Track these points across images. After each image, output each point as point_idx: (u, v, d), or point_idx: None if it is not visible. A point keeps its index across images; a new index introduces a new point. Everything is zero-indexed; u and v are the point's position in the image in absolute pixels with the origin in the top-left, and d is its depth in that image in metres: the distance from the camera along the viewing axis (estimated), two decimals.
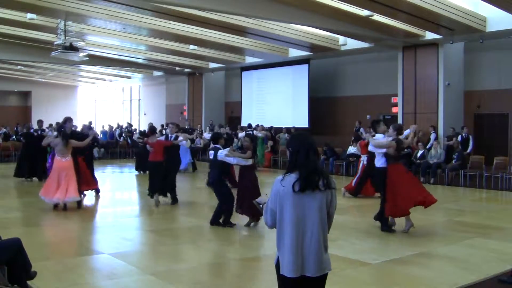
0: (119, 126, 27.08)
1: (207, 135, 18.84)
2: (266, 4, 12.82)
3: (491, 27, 14.12)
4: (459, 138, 15.50)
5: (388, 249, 7.36)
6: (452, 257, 6.76)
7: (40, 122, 15.96)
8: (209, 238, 8.08)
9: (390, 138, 8.39)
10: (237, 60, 22.54)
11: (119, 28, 17.12)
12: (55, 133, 13.55)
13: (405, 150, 15.06)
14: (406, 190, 7.89)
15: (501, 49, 16.17)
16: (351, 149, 16.54)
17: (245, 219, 8.76)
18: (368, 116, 19.74)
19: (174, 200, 10.79)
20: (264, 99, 23.29)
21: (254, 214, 8.24)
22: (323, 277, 3.25)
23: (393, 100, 18.62)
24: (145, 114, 31.82)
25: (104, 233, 8.48)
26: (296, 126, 20.37)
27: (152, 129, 11.25)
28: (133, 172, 16.93)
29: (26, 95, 35.26)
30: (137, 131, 23.97)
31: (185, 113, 27.37)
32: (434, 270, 6.17)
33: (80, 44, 16.84)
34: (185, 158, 16.84)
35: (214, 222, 8.59)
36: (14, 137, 23.23)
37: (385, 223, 8.29)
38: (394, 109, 18.66)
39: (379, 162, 8.45)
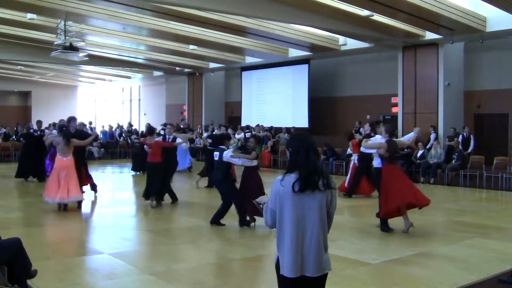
0: (119, 126, 27.08)
1: (204, 135, 18.82)
2: (266, 4, 12.82)
3: (491, 27, 14.12)
4: (460, 137, 15.51)
5: (388, 249, 7.35)
6: (452, 257, 6.76)
7: (39, 123, 15.95)
8: (209, 238, 8.08)
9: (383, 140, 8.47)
10: (237, 60, 22.54)
11: (119, 28, 17.12)
12: (54, 131, 13.54)
13: (405, 150, 15.15)
14: (397, 190, 7.90)
15: (501, 49, 16.17)
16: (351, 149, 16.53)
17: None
18: (368, 116, 19.73)
19: (160, 199, 10.55)
20: (264, 99, 23.29)
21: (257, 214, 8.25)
22: (323, 277, 3.25)
23: (393, 100, 18.62)
24: (145, 114, 31.82)
25: (104, 233, 8.47)
26: (296, 126, 20.38)
27: (150, 129, 11.05)
28: (132, 172, 16.88)
29: (26, 95, 35.26)
30: (133, 131, 24.00)
31: (185, 113, 27.37)
32: (434, 270, 6.17)
33: (80, 44, 16.84)
34: (185, 159, 16.85)
35: (214, 221, 8.59)
36: (14, 137, 23.23)
37: (384, 222, 8.29)
38: (394, 109, 18.67)
39: (376, 162, 8.65)
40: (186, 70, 26.03)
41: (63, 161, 9.66)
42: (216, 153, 8.59)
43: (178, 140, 11.24)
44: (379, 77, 19.51)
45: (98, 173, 17.28)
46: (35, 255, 5.45)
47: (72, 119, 11.07)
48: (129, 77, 32.16)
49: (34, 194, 12.39)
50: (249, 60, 22.42)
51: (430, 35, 15.64)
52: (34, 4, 13.09)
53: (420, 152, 15.49)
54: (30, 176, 14.44)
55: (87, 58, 20.19)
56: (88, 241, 8.02)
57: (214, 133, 17.25)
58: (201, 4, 12.56)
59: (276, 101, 22.63)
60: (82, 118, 32.13)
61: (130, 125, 26.89)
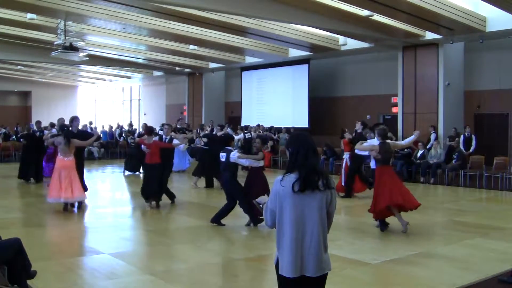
0: (119, 126, 27.08)
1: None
2: (266, 4, 12.83)
3: (491, 27, 14.12)
4: (462, 137, 15.50)
5: (388, 249, 7.35)
6: (452, 257, 6.76)
7: (38, 123, 15.94)
8: (208, 238, 8.08)
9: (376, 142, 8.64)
10: (237, 60, 22.54)
11: (119, 28, 17.12)
12: (54, 130, 13.52)
13: (405, 150, 15.18)
14: (387, 191, 8.03)
15: (501, 49, 16.17)
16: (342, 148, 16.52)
17: (245, 219, 8.76)
18: (368, 116, 19.74)
19: (159, 200, 10.51)
20: (264, 99, 23.30)
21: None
22: (323, 277, 3.25)
23: (393, 100, 18.62)
24: (145, 114, 31.83)
25: (104, 233, 8.47)
26: (296, 126, 20.38)
27: (149, 129, 10.93)
28: (125, 172, 16.82)
29: (26, 95, 35.28)
30: (133, 131, 23.99)
31: (185, 113, 27.37)
32: (434, 270, 6.17)
33: (80, 44, 16.83)
34: (184, 160, 16.85)
35: (215, 220, 8.59)
36: (14, 137, 23.23)
37: (382, 222, 8.34)
38: (394, 109, 18.67)
39: (372, 163, 9.09)
40: (186, 70, 26.04)
41: (65, 161, 9.62)
42: (223, 154, 8.58)
43: (176, 141, 11.22)
44: (379, 77, 19.51)
45: (98, 173, 17.30)
46: (35, 256, 5.46)
47: (74, 118, 11.02)
48: (129, 77, 32.17)
49: (34, 194, 12.40)
50: (249, 60, 22.42)
51: (430, 35, 15.64)
52: (34, 4, 13.09)
53: (420, 152, 15.49)
54: (32, 178, 14.35)
55: (87, 58, 20.18)
56: (88, 241, 8.02)
57: (213, 133, 17.22)
58: (201, 4, 12.56)
59: (276, 101, 22.63)
60: (82, 118, 32.21)
61: (131, 125, 26.89)
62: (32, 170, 14.26)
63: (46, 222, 9.32)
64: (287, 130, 20.08)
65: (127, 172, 16.57)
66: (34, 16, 15.04)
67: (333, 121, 20.87)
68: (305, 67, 20.96)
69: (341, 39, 17.77)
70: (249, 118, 23.42)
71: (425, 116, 16.79)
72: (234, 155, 8.35)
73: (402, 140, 15.00)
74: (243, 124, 22.64)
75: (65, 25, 15.77)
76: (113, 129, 26.17)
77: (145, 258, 6.95)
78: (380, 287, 5.84)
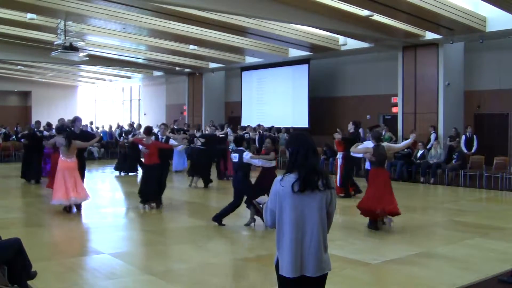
0: (119, 126, 27.08)
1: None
2: (266, 4, 12.82)
3: (491, 27, 14.12)
4: (463, 137, 15.48)
5: (388, 249, 7.35)
6: (452, 257, 6.76)
7: (38, 123, 15.93)
8: (209, 238, 8.08)
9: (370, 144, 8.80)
10: (237, 60, 22.54)
11: (119, 28, 17.12)
12: (53, 131, 13.50)
13: (405, 150, 15.19)
14: (373, 193, 8.26)
15: (501, 49, 16.17)
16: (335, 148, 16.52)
17: (245, 219, 8.76)
18: (368, 116, 19.75)
19: (159, 201, 10.46)
20: (264, 99, 23.29)
21: None
22: (323, 277, 3.25)
23: (393, 100, 18.62)
24: (145, 114, 31.83)
25: (104, 233, 8.48)
26: (297, 126, 20.38)
27: (148, 129, 10.78)
28: (115, 172, 16.77)
29: (26, 95, 35.28)
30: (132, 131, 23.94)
31: (185, 113, 27.38)
32: (434, 270, 6.17)
33: (80, 44, 16.83)
34: (181, 160, 16.85)
35: (216, 219, 8.58)
36: (14, 137, 23.23)
37: (371, 221, 8.51)
38: (394, 109, 18.67)
39: (367, 164, 9.53)
40: (186, 70, 26.03)
41: (67, 163, 9.57)
42: (235, 155, 8.57)
43: (172, 142, 11.19)
44: (379, 77, 19.51)
45: (98, 173, 17.30)
46: (35, 256, 5.46)
47: (76, 119, 11.00)
48: (129, 77, 32.16)
49: (34, 194, 12.40)
50: (249, 60, 22.41)
51: (430, 35, 15.63)
52: (34, 4, 13.09)
53: (420, 152, 15.49)
54: (33, 180, 14.29)
55: (87, 58, 20.18)
56: (88, 241, 8.03)
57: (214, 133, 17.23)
58: (201, 4, 12.56)
59: (276, 101, 22.63)
60: (82, 118, 32.20)
61: (132, 125, 26.82)
62: (33, 170, 14.25)
63: (46, 222, 9.31)
64: (287, 130, 20.08)
65: (118, 173, 16.59)
66: (34, 16, 15.04)
67: (333, 121, 20.84)
68: (305, 67, 20.95)
69: (341, 39, 17.76)
70: (249, 118, 23.41)
71: (425, 116, 16.79)
72: (247, 155, 8.37)
73: (402, 141, 15.09)
74: (243, 124, 22.63)
75: (65, 25, 15.77)
76: (113, 129, 26.15)
77: (145, 258, 6.95)
78: (380, 287, 5.84)
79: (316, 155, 3.32)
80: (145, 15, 14.92)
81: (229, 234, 8.29)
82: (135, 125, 22.23)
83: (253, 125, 20.80)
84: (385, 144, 8.96)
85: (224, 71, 26.01)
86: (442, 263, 6.51)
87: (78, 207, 9.96)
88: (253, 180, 8.82)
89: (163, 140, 11.12)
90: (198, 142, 13.85)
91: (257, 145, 18.02)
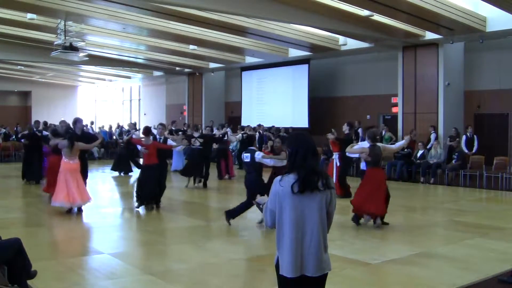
0: (119, 126, 27.06)
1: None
2: (266, 4, 12.82)
3: (491, 27, 14.12)
4: (464, 138, 15.47)
5: (388, 249, 7.36)
6: (452, 257, 6.76)
7: (37, 123, 15.92)
8: (209, 238, 8.08)
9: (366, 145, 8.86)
10: (237, 60, 22.54)
11: (119, 28, 17.12)
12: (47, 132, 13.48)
13: (405, 150, 15.21)
14: (368, 193, 8.37)
15: (501, 49, 16.17)
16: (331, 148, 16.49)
17: (245, 219, 8.76)
18: (368, 116, 19.75)
19: (158, 202, 10.39)
20: (264, 99, 23.29)
21: None
22: (323, 277, 3.25)
23: (393, 100, 18.62)
24: (145, 114, 31.83)
25: (104, 233, 8.48)
26: (297, 126, 20.37)
27: (147, 129, 10.67)
28: (113, 173, 16.74)
29: (26, 95, 35.28)
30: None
31: (185, 113, 27.38)
32: (434, 270, 6.17)
33: (80, 44, 16.83)
34: (180, 159, 16.85)
35: (229, 215, 8.55)
36: (14, 137, 23.22)
37: (356, 217, 8.67)
38: (394, 109, 18.67)
39: (362, 164, 9.49)
40: (186, 70, 26.03)
41: (70, 164, 9.53)
42: (247, 155, 8.57)
43: (170, 142, 11.17)
44: (379, 77, 19.51)
45: (98, 173, 17.29)
46: (35, 255, 5.46)
47: (77, 120, 10.97)
48: (129, 77, 32.17)
49: (34, 194, 12.40)
50: (249, 60, 22.42)
51: (430, 35, 15.63)
52: (34, 4, 13.09)
53: (420, 152, 15.49)
54: (34, 180, 14.26)
55: (87, 58, 20.18)
56: (88, 241, 8.02)
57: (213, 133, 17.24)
58: (201, 4, 12.56)
59: (276, 101, 22.63)
60: (82, 118, 32.19)
61: (134, 125, 26.74)
62: (33, 170, 14.23)
63: (46, 222, 9.31)
64: (286, 130, 20.07)
65: (118, 173, 16.60)
66: (34, 16, 15.03)
67: (333, 121, 20.81)
68: (305, 67, 20.95)
69: (341, 39, 17.76)
70: (249, 118, 23.41)
71: (425, 116, 16.79)
72: (259, 155, 8.39)
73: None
74: (243, 124, 22.64)
75: (65, 25, 15.77)
76: (113, 129, 26.13)
77: (145, 258, 6.94)
78: (380, 287, 5.84)
79: (316, 156, 3.31)
80: (145, 15, 14.92)
81: (229, 234, 8.29)
82: (136, 126, 22.22)
83: (253, 125, 20.80)
84: (380, 144, 9.03)
85: (224, 71, 26.01)
86: (442, 263, 6.50)
87: (79, 208, 9.93)
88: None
89: (161, 140, 11.10)
90: (197, 142, 13.85)
91: (257, 145, 18.01)
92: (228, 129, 17.93)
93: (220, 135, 16.21)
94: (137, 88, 33.47)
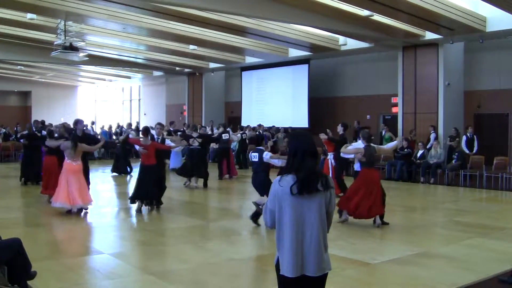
0: (119, 126, 27.05)
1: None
2: (266, 4, 12.82)
3: (491, 27, 14.11)
4: (464, 138, 15.46)
5: (388, 249, 7.36)
6: (452, 257, 6.76)
7: (36, 123, 15.91)
8: (209, 238, 8.09)
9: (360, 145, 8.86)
10: (237, 60, 22.54)
11: (119, 28, 17.11)
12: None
13: (405, 150, 15.20)
14: (363, 197, 8.40)
15: (501, 49, 16.16)
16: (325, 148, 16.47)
17: (245, 219, 8.76)
18: (368, 116, 19.75)
19: (159, 203, 10.33)
20: (264, 99, 23.29)
21: None
22: (323, 277, 3.25)
23: (393, 100, 18.62)
24: (145, 114, 31.83)
25: (104, 233, 8.48)
26: (297, 126, 20.36)
27: (146, 129, 10.58)
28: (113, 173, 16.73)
29: (26, 95, 35.28)
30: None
31: (185, 113, 27.38)
32: (434, 270, 6.17)
33: (80, 44, 16.83)
34: (178, 159, 16.85)
35: (252, 218, 8.58)
36: (14, 137, 23.22)
37: (340, 212, 8.72)
38: (394, 109, 18.66)
39: (356, 166, 9.46)
40: (186, 70, 26.03)
41: (73, 166, 9.50)
42: (255, 154, 8.58)
43: (168, 142, 11.15)
44: (379, 77, 19.51)
45: (98, 173, 17.29)
46: (35, 255, 5.46)
47: (78, 121, 10.94)
48: (129, 77, 32.17)
49: (34, 194, 12.38)
50: (249, 60, 22.41)
51: (430, 35, 15.63)
52: (34, 4, 13.08)
53: (420, 152, 15.49)
54: (33, 181, 14.21)
55: (87, 58, 20.18)
56: (88, 241, 8.02)
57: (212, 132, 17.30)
58: (201, 4, 12.56)
59: (276, 101, 22.63)
60: (82, 118, 32.19)
61: (130, 126, 26.79)
62: (33, 171, 14.19)
63: (46, 222, 9.31)
64: (285, 130, 20.07)
65: (117, 173, 16.61)
66: (34, 16, 15.02)
67: (333, 121, 20.80)
68: (305, 67, 20.95)
69: (341, 39, 17.76)
70: (249, 118, 23.41)
71: (425, 116, 16.79)
72: (267, 155, 8.40)
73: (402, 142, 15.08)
74: (242, 124, 22.64)
75: (65, 25, 15.77)
76: (113, 129, 26.11)
77: (145, 258, 6.94)
78: (380, 287, 5.83)
79: (315, 157, 3.29)
80: (145, 15, 14.91)
81: (229, 234, 8.29)
82: (133, 126, 22.22)
83: (253, 125, 20.80)
84: (374, 145, 9.05)
85: (224, 71, 26.01)
86: (442, 263, 6.50)
87: (80, 210, 9.91)
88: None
89: (159, 140, 11.07)
90: (195, 142, 13.86)
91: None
92: (228, 129, 17.92)
93: (218, 135, 16.27)
94: (137, 88, 33.47)
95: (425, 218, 9.86)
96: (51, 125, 19.76)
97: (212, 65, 24.20)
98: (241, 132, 18.92)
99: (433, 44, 16.24)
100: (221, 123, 21.13)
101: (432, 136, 15.92)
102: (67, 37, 15.94)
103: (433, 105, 16.60)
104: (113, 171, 16.83)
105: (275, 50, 19.77)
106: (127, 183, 15.06)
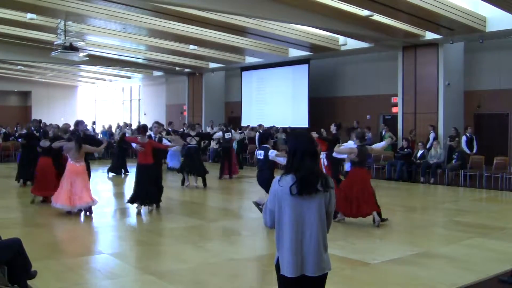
0: (119, 127, 27.04)
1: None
2: (266, 4, 12.82)
3: (491, 27, 14.11)
4: (464, 138, 15.45)
5: (388, 249, 7.35)
6: (452, 257, 6.76)
7: (36, 122, 15.89)
8: (209, 238, 8.08)
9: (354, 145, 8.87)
10: (237, 60, 22.54)
11: (119, 28, 17.11)
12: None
13: (405, 150, 15.19)
14: (351, 197, 8.43)
15: (501, 49, 16.16)
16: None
17: (245, 219, 8.76)
18: (368, 116, 19.75)
19: (158, 202, 10.27)
20: (264, 99, 23.29)
21: None
22: (323, 277, 3.25)
23: (393, 100, 18.62)
24: (145, 114, 31.83)
25: (104, 233, 8.48)
26: (297, 126, 20.36)
27: (144, 128, 10.46)
28: (111, 173, 16.70)
29: (26, 95, 35.27)
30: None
31: (185, 113, 27.38)
32: (434, 270, 6.17)
33: (80, 44, 16.83)
34: (176, 159, 16.85)
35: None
36: (14, 137, 23.21)
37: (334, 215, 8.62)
38: (394, 109, 18.66)
39: (347, 166, 9.47)
40: (186, 70, 26.03)
41: (76, 167, 9.46)
42: (260, 152, 8.60)
43: (166, 141, 11.13)
44: (379, 77, 19.51)
45: (98, 173, 17.29)
46: (35, 255, 5.46)
47: (79, 122, 10.90)
48: (129, 77, 32.16)
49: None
50: (249, 60, 22.41)
51: (430, 35, 15.63)
52: (34, 4, 13.08)
53: (420, 152, 15.49)
54: (30, 181, 14.16)
55: (87, 58, 20.18)
56: (88, 241, 8.02)
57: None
58: (201, 4, 12.56)
59: (276, 101, 22.63)
60: (82, 118, 32.19)
61: (126, 125, 26.73)
62: (30, 171, 14.16)
63: (46, 222, 9.30)
64: (284, 130, 20.06)
65: (111, 174, 16.57)
66: (34, 16, 15.02)
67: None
68: (305, 67, 20.95)
69: (341, 39, 17.76)
70: (249, 118, 23.41)
71: (425, 116, 16.78)
72: (272, 153, 8.43)
73: (402, 142, 15.05)
74: (242, 124, 22.65)
75: (65, 25, 15.77)
76: (113, 129, 26.12)
77: (145, 258, 6.94)
78: (380, 287, 5.83)
79: (315, 157, 3.29)
80: (145, 15, 14.91)
81: (229, 234, 8.29)
82: (133, 126, 22.21)
83: (253, 125, 20.81)
84: (368, 146, 9.10)
85: (224, 71, 26.01)
86: (442, 263, 6.50)
87: (89, 211, 9.85)
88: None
89: (156, 139, 11.06)
90: (193, 141, 13.86)
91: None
92: (230, 129, 17.92)
93: (213, 133, 16.46)
94: (137, 88, 33.46)
95: (425, 218, 9.86)
96: (45, 124, 19.74)
97: (212, 65, 24.20)
98: (240, 132, 18.94)
99: (433, 44, 16.24)
100: (221, 123, 21.15)
101: (431, 135, 15.92)
102: (67, 37, 15.94)
103: (433, 105, 16.60)
104: (110, 171, 16.78)
105: (275, 50, 19.77)
106: (127, 183, 15.04)
